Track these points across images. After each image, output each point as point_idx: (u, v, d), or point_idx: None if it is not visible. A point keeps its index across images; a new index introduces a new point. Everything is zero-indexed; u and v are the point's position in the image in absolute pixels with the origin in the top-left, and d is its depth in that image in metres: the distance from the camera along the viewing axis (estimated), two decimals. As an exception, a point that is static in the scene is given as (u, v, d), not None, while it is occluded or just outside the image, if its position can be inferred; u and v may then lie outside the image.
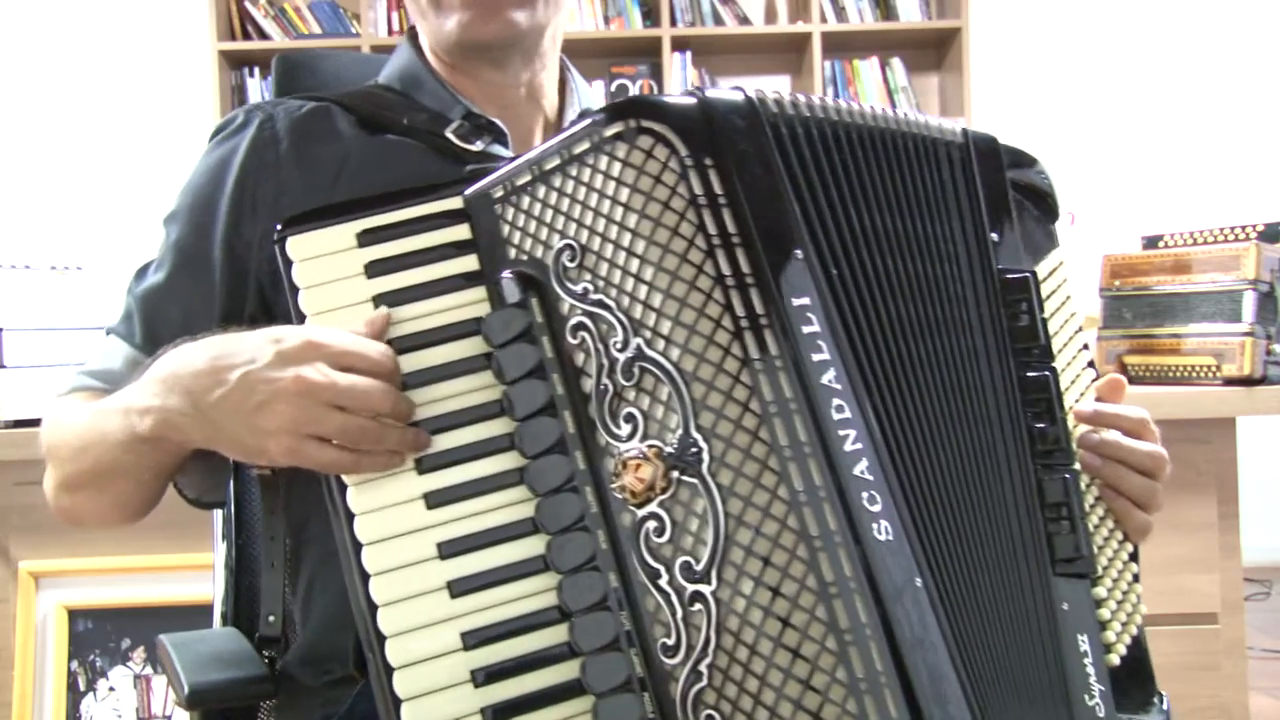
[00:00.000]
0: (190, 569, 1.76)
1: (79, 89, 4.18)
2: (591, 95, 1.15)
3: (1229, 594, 1.75)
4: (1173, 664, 1.72)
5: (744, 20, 4.19)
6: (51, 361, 1.78)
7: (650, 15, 4.15)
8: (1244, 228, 1.84)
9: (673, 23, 4.07)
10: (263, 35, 4.06)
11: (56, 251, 3.51)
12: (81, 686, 1.80)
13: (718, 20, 4.14)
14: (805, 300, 0.72)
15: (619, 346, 0.73)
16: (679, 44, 4.09)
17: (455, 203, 0.80)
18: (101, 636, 1.82)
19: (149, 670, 1.82)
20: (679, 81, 4.08)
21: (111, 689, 1.81)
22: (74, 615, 1.81)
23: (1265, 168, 4.21)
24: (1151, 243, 1.95)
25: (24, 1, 4.20)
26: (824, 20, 4.04)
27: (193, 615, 1.65)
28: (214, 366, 0.77)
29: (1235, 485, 1.76)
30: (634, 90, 4.11)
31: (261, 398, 0.74)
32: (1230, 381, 1.71)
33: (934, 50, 4.25)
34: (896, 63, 4.17)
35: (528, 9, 1.00)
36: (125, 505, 0.95)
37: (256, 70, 4.06)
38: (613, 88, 4.12)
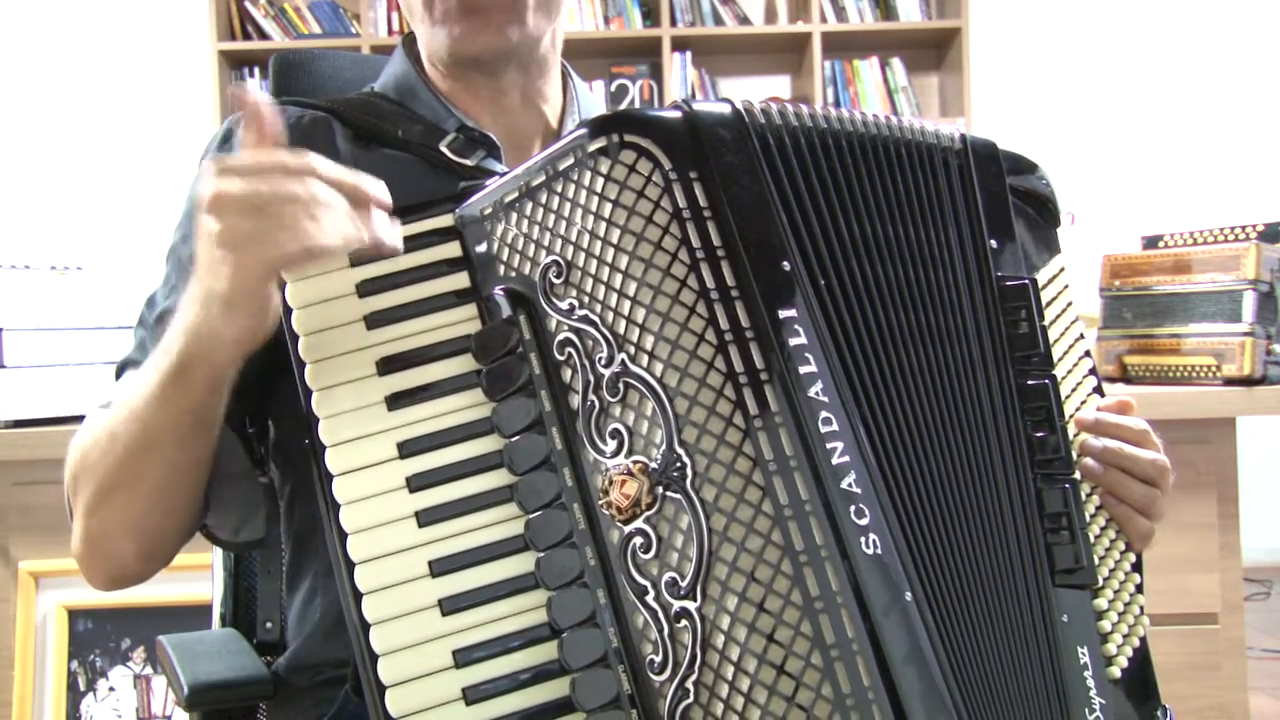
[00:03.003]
0: (190, 569, 1.75)
1: (79, 89, 4.18)
2: (593, 100, 1.14)
3: (1229, 594, 1.75)
4: (1173, 664, 1.72)
5: (744, 20, 4.19)
6: (51, 361, 1.78)
7: (650, 15, 4.15)
8: (1244, 228, 1.84)
9: (673, 23, 4.08)
10: (263, 35, 4.07)
11: (56, 251, 3.51)
12: (81, 686, 1.80)
13: (718, 20, 4.14)
14: (792, 312, 0.72)
15: (604, 362, 0.72)
16: (679, 44, 4.09)
17: (446, 220, 0.81)
18: (101, 636, 1.82)
19: (149, 670, 1.82)
20: (679, 81, 4.08)
21: (111, 689, 1.81)
22: (74, 615, 1.81)
23: (1265, 168, 4.21)
24: (1151, 243, 1.95)
25: (24, 1, 4.20)
26: (824, 20, 4.04)
27: (193, 615, 1.65)
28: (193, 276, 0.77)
29: (1235, 485, 1.76)
30: (634, 90, 4.11)
31: (211, 245, 0.73)
32: (1230, 381, 1.71)
33: (934, 50, 4.25)
34: (896, 63, 4.17)
35: (519, 22, 0.99)
36: (161, 502, 0.88)
37: (256, 70, 4.06)
38: (613, 88, 4.12)
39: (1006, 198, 0.88)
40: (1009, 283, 0.85)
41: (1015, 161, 0.92)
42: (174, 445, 0.84)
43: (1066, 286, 0.91)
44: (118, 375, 1.00)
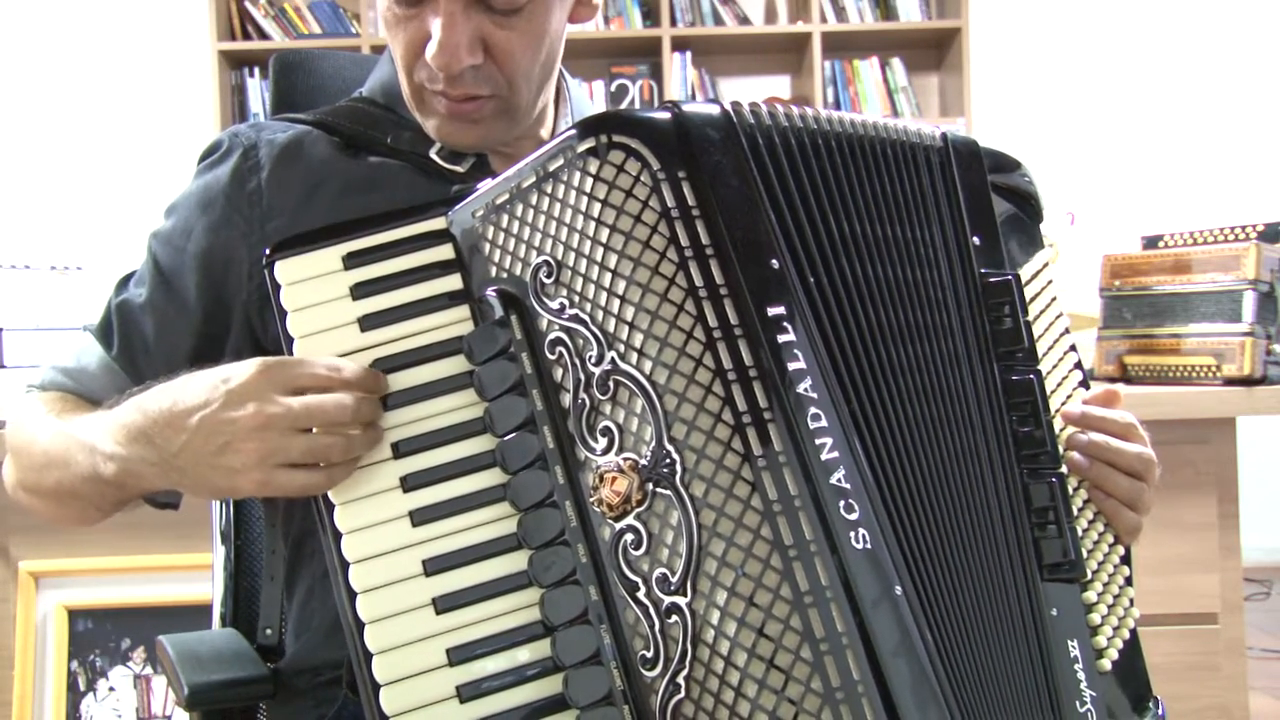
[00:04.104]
0: (190, 569, 1.76)
1: (79, 89, 4.18)
2: (588, 104, 1.13)
3: (1229, 594, 1.75)
4: (1173, 664, 1.72)
5: (744, 20, 4.19)
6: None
7: (650, 15, 4.15)
8: (1244, 228, 1.83)
9: (673, 23, 4.07)
10: (263, 35, 4.06)
11: (56, 251, 3.51)
12: (81, 686, 1.80)
13: (718, 20, 4.14)
14: (780, 309, 0.72)
15: (594, 361, 0.73)
16: (679, 44, 4.09)
17: (439, 223, 0.81)
18: (101, 636, 1.82)
19: (149, 670, 1.82)
20: (679, 81, 4.08)
21: (111, 689, 1.81)
22: (74, 615, 1.81)
23: (1265, 168, 4.21)
24: (1151, 243, 1.94)
25: (24, 1, 4.20)
26: (824, 20, 4.04)
27: (193, 615, 1.65)
28: (171, 414, 0.78)
29: (1235, 485, 1.76)
30: (634, 91, 4.11)
31: (224, 439, 0.75)
32: (1230, 381, 1.71)
33: (934, 50, 4.24)
34: (896, 63, 4.17)
35: (508, 121, 0.97)
36: (82, 518, 0.95)
37: (256, 70, 4.06)
38: (613, 88, 4.12)
39: (988, 194, 0.89)
40: (992, 279, 0.85)
41: (998, 159, 0.92)
42: (97, 506, 0.92)
43: (1051, 281, 0.92)
44: (83, 331, 1.04)
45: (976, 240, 0.86)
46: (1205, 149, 4.23)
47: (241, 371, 0.75)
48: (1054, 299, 0.91)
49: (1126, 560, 0.88)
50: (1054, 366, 0.89)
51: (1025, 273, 0.89)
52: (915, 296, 0.81)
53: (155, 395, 0.80)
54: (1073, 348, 0.92)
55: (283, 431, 0.74)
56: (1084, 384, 0.92)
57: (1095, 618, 0.83)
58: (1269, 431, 3.70)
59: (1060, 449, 0.85)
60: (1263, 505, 3.16)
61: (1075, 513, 0.85)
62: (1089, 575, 0.84)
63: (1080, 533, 0.84)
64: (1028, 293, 0.88)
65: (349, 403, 0.74)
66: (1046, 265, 0.92)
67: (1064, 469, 0.85)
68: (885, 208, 0.82)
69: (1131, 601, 0.87)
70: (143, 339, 0.99)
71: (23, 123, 4.18)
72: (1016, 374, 0.84)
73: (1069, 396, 0.90)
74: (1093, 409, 0.88)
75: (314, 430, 0.74)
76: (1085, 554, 0.84)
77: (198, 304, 0.98)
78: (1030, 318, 0.87)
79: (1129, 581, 0.87)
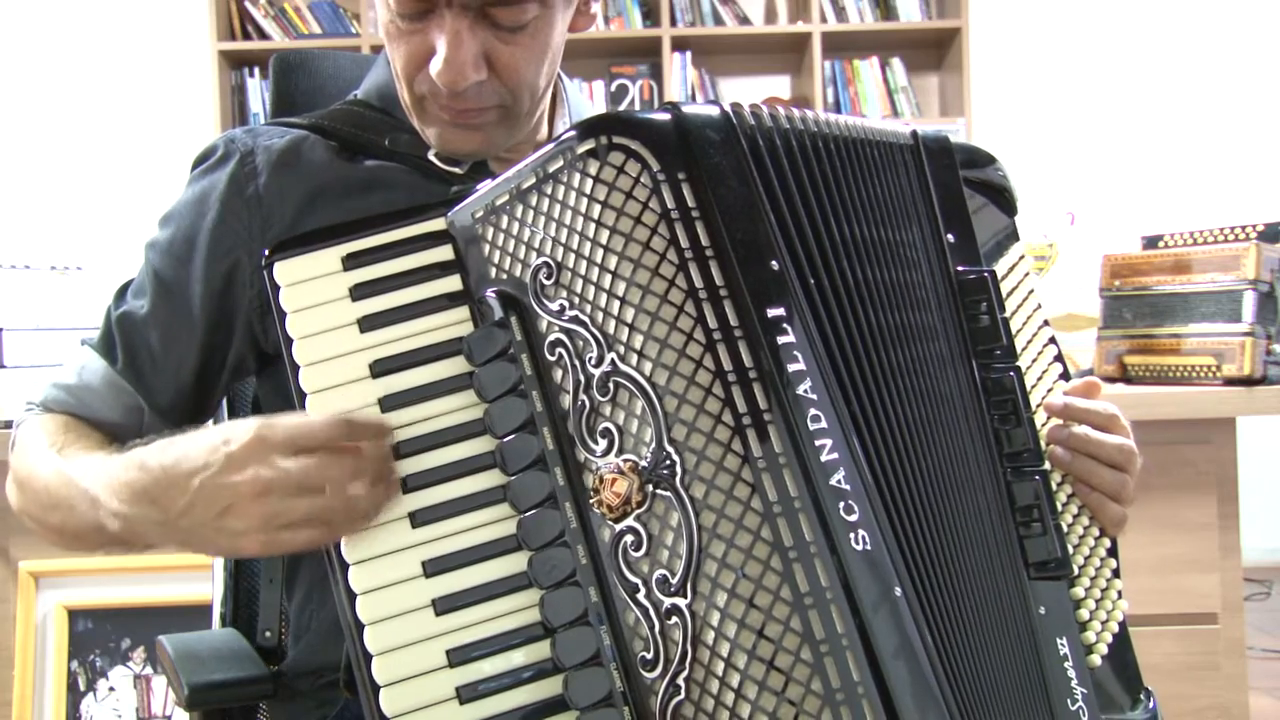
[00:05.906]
0: (190, 569, 1.76)
1: (79, 89, 4.18)
2: (585, 104, 1.13)
3: (1229, 594, 1.75)
4: (1173, 664, 1.72)
5: (744, 20, 4.19)
6: (51, 361, 1.78)
7: (650, 15, 4.15)
8: (1244, 228, 1.83)
9: (673, 23, 4.07)
10: (263, 35, 4.06)
11: (56, 251, 3.51)
12: (81, 686, 1.80)
13: (718, 20, 4.14)
14: (780, 311, 0.72)
15: (594, 362, 0.73)
16: (679, 44, 4.09)
17: (438, 224, 0.81)
18: (101, 636, 1.82)
19: (149, 670, 1.82)
20: (679, 82, 4.08)
21: (111, 689, 1.81)
22: (74, 615, 1.81)
23: (1265, 168, 4.21)
24: (1151, 243, 1.94)
25: (24, 1, 4.20)
26: (824, 20, 4.04)
27: (193, 615, 1.65)
28: (174, 474, 0.77)
29: (1235, 485, 1.76)
30: (634, 91, 4.11)
31: (225, 503, 0.74)
32: (1230, 381, 1.71)
33: (934, 50, 4.25)
34: (896, 63, 4.17)
35: (507, 126, 0.96)
36: (86, 549, 0.93)
37: (256, 70, 4.06)
38: (613, 88, 4.12)
39: (961, 191, 0.89)
40: (969, 276, 0.86)
41: (971, 154, 0.93)
42: (99, 547, 0.89)
43: (1027, 275, 0.92)
44: (81, 345, 1.02)
45: (951, 238, 0.86)
46: (1205, 149, 4.23)
47: (241, 434, 0.74)
48: (1031, 291, 0.92)
49: (1113, 553, 0.89)
50: (1034, 360, 0.90)
51: (1000, 267, 0.90)
52: (903, 298, 0.82)
53: (157, 451, 0.79)
54: (1052, 340, 0.92)
55: (283, 496, 0.73)
56: (1064, 376, 0.93)
57: (1084, 613, 0.84)
58: (1269, 431, 3.70)
59: (1042, 445, 0.86)
60: (1263, 505, 3.17)
61: (1060, 508, 0.85)
62: (1076, 571, 0.84)
63: (1065, 528, 0.85)
64: (1004, 287, 0.88)
65: (351, 463, 0.73)
66: (1022, 258, 0.93)
67: (1046, 465, 0.85)
68: (872, 208, 0.82)
69: (1120, 594, 0.87)
70: (148, 351, 0.98)
71: (23, 123, 4.18)
72: (996, 371, 0.84)
73: (1050, 390, 0.90)
74: (1075, 400, 0.88)
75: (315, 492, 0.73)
76: (1071, 549, 0.84)
77: (201, 314, 0.97)
78: (1007, 313, 0.87)
79: (1116, 574, 0.88)
